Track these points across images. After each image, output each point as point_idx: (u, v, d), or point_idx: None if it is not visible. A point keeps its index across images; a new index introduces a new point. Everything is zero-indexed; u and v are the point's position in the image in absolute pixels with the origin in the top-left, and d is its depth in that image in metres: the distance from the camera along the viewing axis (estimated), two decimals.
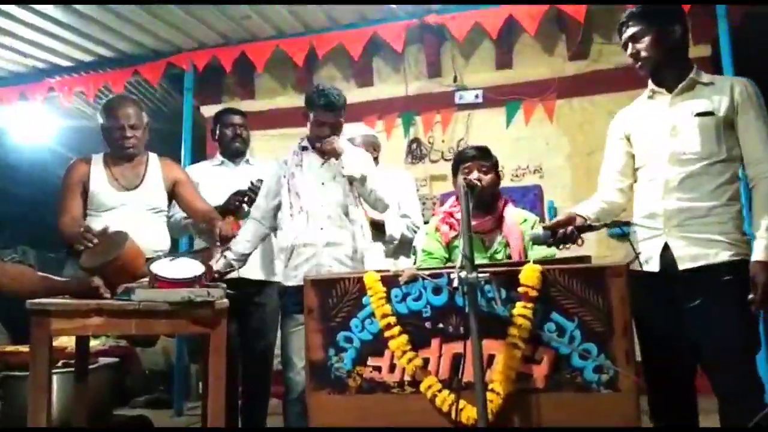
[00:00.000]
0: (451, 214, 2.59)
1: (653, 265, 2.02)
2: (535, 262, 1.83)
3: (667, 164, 2.02)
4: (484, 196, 2.47)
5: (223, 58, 5.06)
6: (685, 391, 2.05)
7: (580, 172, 4.99)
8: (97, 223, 2.50)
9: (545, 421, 1.76)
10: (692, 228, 1.97)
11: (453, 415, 1.79)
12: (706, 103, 2.02)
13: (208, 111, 5.56)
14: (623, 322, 1.74)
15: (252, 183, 3.01)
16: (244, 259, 2.74)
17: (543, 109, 5.12)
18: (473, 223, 2.07)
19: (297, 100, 4.49)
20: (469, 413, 1.77)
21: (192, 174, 3.15)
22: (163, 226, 2.85)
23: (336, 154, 2.63)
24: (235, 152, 3.35)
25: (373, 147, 3.14)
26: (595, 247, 4.33)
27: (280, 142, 4.80)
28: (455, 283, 1.71)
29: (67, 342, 3.45)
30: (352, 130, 3.16)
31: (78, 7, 4.43)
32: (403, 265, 3.02)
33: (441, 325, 1.87)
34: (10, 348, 3.84)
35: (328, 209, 2.66)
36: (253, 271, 3.09)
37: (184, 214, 2.95)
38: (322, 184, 2.69)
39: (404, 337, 1.88)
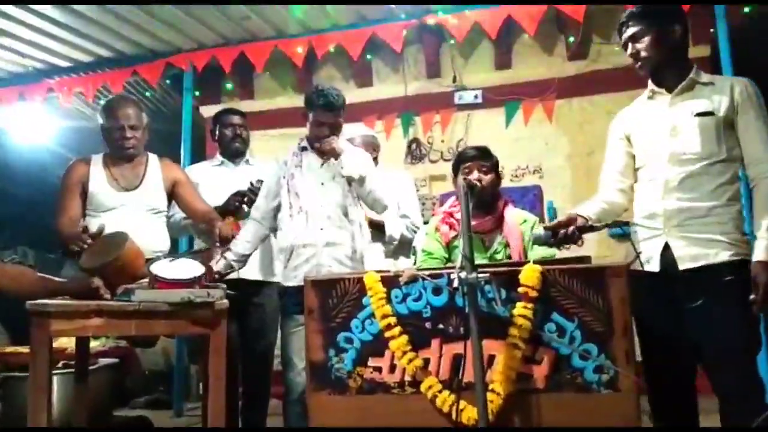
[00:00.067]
0: (451, 214, 2.59)
1: (653, 265, 2.02)
2: (535, 262, 1.83)
3: (667, 164, 2.02)
4: (484, 196, 2.47)
5: (223, 59, 5.06)
6: (685, 392, 2.05)
7: (580, 172, 4.99)
8: (96, 224, 2.49)
9: (545, 421, 1.76)
10: (692, 228, 1.97)
11: (453, 416, 1.79)
12: (706, 103, 2.02)
13: (208, 111, 5.57)
14: (623, 323, 1.74)
15: (252, 183, 3.01)
16: (244, 259, 2.73)
17: (542, 109, 5.13)
18: (473, 223, 2.07)
19: (296, 101, 4.48)
20: (469, 413, 1.78)
21: (191, 174, 3.15)
22: (163, 226, 2.85)
23: (335, 155, 2.63)
24: (234, 152, 3.35)
25: (372, 147, 3.14)
26: (595, 248, 4.33)
27: (279, 143, 4.80)
28: (455, 284, 1.71)
29: (67, 343, 3.45)
30: (352, 130, 3.16)
31: (77, 7, 4.43)
32: (403, 265, 3.02)
33: (441, 326, 1.87)
34: (10, 349, 3.85)
35: (328, 209, 2.66)
36: (252, 271, 3.09)
37: (184, 215, 2.94)
38: (322, 184, 2.69)
39: (404, 338, 1.88)
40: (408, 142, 5.47)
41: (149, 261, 2.27)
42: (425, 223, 3.16)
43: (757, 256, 1.90)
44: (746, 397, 1.89)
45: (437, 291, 1.88)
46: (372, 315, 1.92)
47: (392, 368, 1.91)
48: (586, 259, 1.95)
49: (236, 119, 3.38)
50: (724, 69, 3.90)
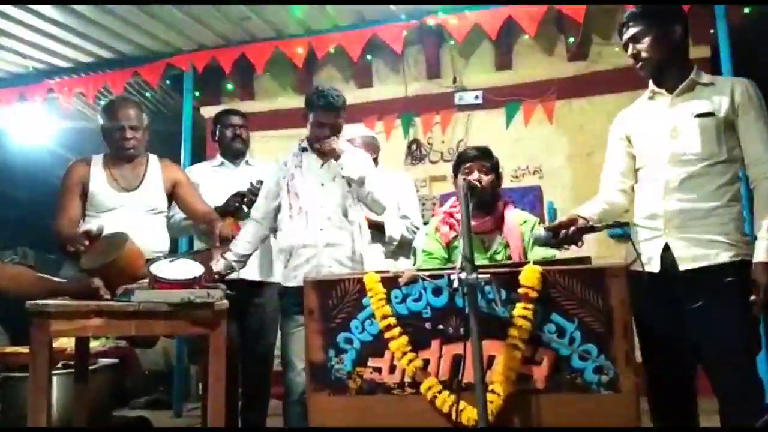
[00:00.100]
0: (451, 215, 2.59)
1: (654, 266, 2.02)
2: (535, 263, 1.83)
3: (668, 165, 2.02)
4: (484, 197, 2.47)
5: (223, 59, 5.06)
6: (685, 392, 2.05)
7: (580, 173, 4.99)
8: (96, 224, 2.49)
9: (545, 422, 1.76)
10: (693, 229, 1.97)
11: (453, 416, 1.78)
12: (706, 103, 2.02)
13: (208, 112, 5.57)
14: (623, 323, 1.74)
15: (252, 184, 3.01)
16: (244, 260, 2.74)
17: (542, 110, 5.13)
18: (473, 223, 2.07)
19: (296, 101, 4.49)
20: (469, 414, 1.77)
21: (192, 175, 3.15)
22: (163, 227, 2.85)
23: (335, 155, 2.63)
24: (235, 153, 3.35)
25: (372, 148, 3.14)
26: (595, 248, 4.33)
27: (279, 143, 4.80)
28: (455, 284, 1.71)
29: (66, 343, 3.45)
30: (352, 131, 3.16)
31: (77, 8, 4.43)
32: (403, 266, 3.02)
33: (441, 326, 1.87)
34: (9, 349, 3.84)
35: (328, 210, 2.66)
36: (252, 272, 3.09)
37: (184, 215, 2.94)
38: (322, 185, 2.69)
39: (404, 338, 1.88)
40: (408, 143, 5.47)
41: (149, 261, 2.27)
42: (425, 223, 3.16)
43: (758, 257, 1.89)
44: (746, 397, 1.89)
45: (437, 291, 1.88)
46: (372, 315, 1.92)
47: (392, 369, 1.90)
48: (586, 259, 1.94)
49: (236, 120, 3.39)
50: (724, 69, 3.90)
